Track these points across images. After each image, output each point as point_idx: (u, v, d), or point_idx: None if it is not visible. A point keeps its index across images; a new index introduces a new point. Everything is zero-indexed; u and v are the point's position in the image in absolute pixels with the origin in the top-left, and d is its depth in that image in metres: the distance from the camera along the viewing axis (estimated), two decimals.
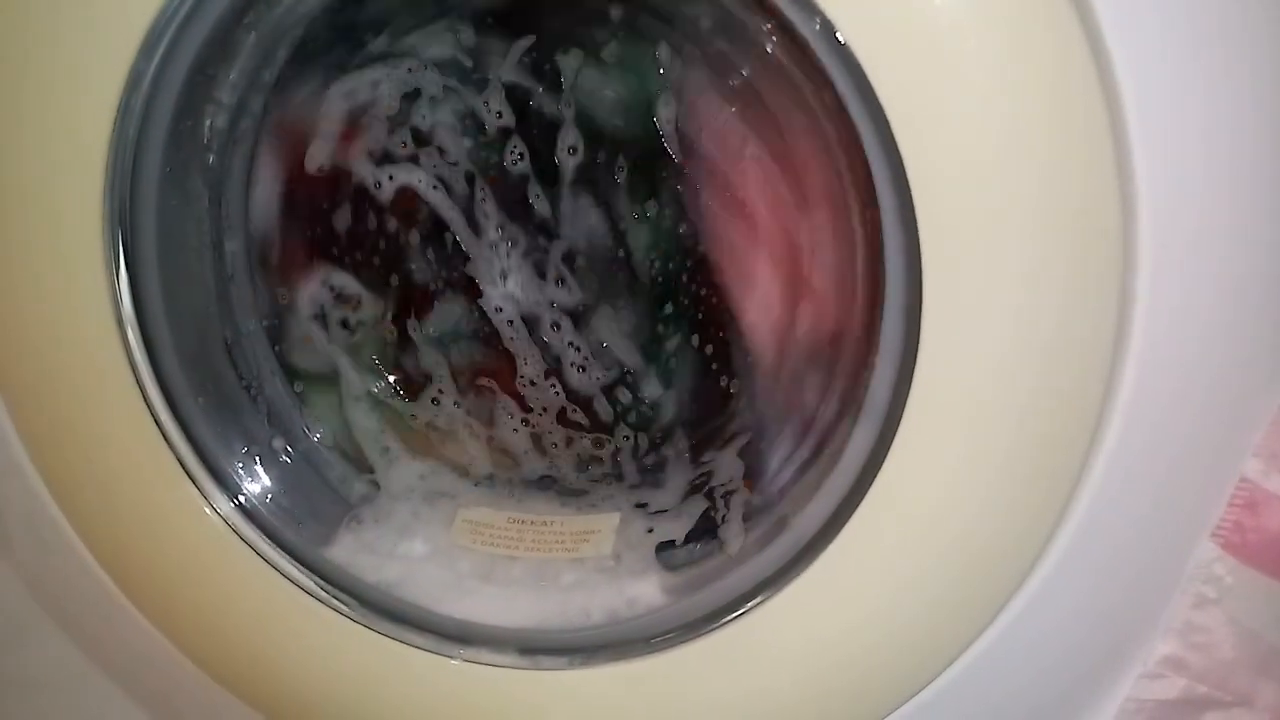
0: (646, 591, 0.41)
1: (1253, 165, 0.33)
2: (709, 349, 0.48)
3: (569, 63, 0.46)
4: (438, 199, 0.49)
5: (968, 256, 0.32)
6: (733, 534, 0.41)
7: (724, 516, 0.42)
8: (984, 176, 0.31)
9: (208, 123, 0.43)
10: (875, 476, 0.34)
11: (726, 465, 0.46)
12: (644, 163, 0.46)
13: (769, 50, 0.39)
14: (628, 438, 0.50)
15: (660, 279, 0.49)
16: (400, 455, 0.49)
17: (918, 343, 0.33)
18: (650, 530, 0.44)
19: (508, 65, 0.47)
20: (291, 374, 0.49)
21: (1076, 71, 0.30)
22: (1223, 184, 0.33)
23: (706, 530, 0.43)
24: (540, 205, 0.48)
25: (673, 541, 0.43)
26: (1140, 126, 0.31)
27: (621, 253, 0.49)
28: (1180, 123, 0.32)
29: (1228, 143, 0.33)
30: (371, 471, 0.49)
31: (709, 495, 0.45)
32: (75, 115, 0.38)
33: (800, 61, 0.37)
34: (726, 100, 0.44)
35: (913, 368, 0.33)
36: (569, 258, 0.49)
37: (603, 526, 0.46)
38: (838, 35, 0.31)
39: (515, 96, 0.47)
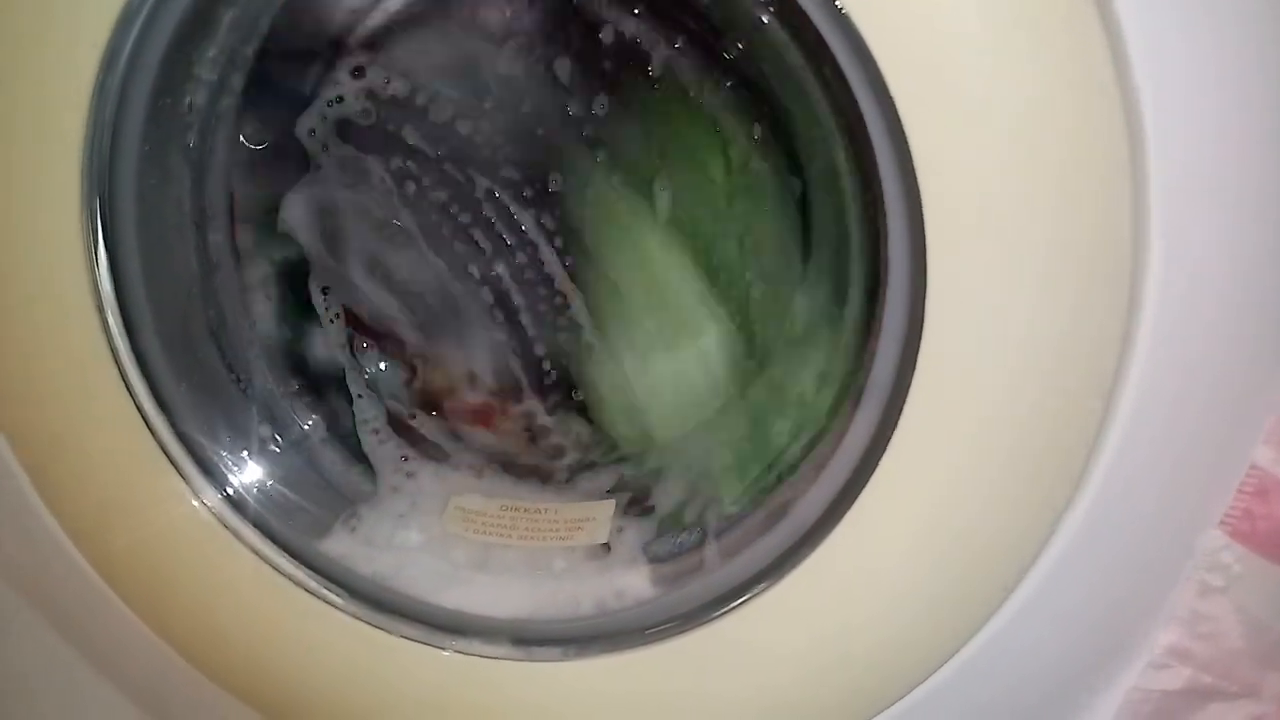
0: (635, 583, 0.40)
1: (1266, 157, 0.32)
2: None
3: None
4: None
5: (974, 236, 0.31)
6: (708, 548, 0.40)
7: (699, 530, 0.42)
8: (991, 154, 0.30)
9: (188, 100, 0.42)
10: (878, 463, 0.33)
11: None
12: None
13: (765, 20, 0.38)
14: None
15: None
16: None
17: (921, 324, 0.32)
18: (620, 529, 0.44)
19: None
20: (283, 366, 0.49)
21: (1091, 53, 0.29)
22: (1236, 171, 0.32)
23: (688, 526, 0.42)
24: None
25: (662, 533, 0.43)
26: (1153, 113, 0.30)
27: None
28: (1194, 111, 0.31)
29: (1241, 133, 0.31)
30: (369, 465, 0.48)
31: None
32: (51, 92, 0.37)
33: (799, 32, 0.36)
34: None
35: (916, 350, 0.32)
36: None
37: (598, 514, 0.45)
38: (837, 3, 0.30)
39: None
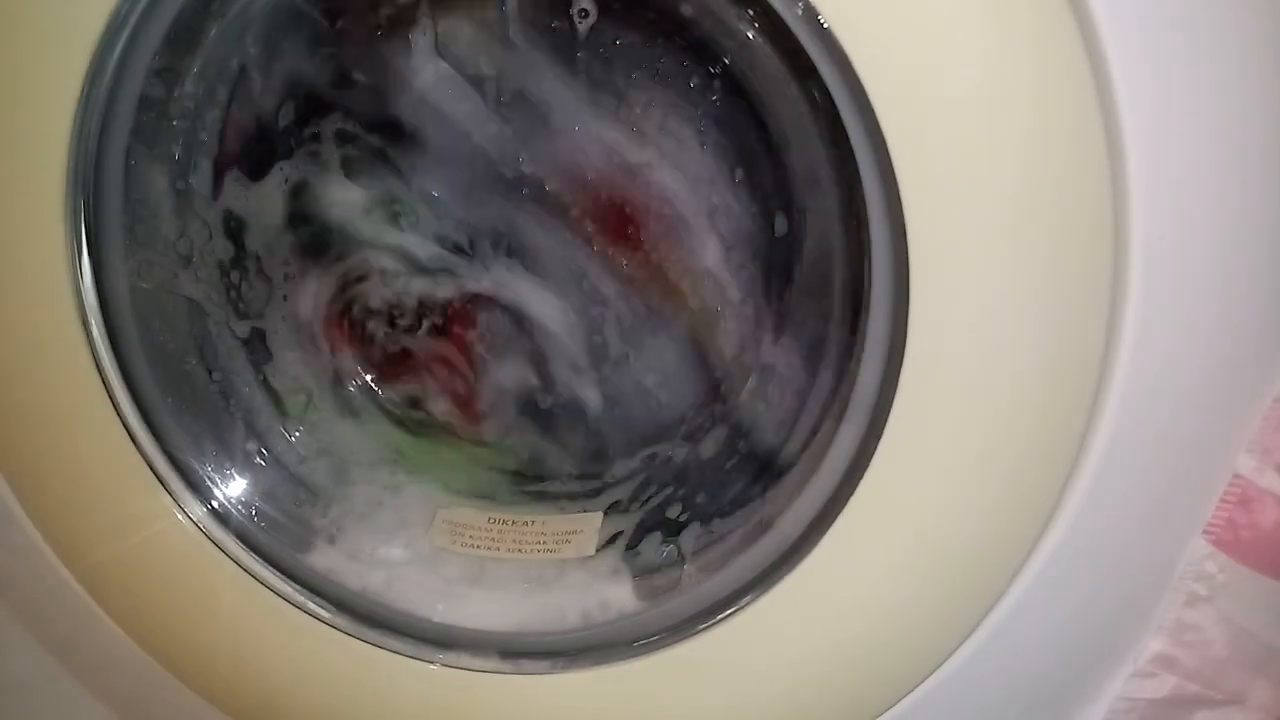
0: (619, 595, 0.40)
1: (1246, 162, 0.32)
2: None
3: None
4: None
5: (956, 250, 0.31)
6: (686, 567, 0.40)
7: (675, 550, 0.42)
8: (973, 168, 0.30)
9: (173, 113, 0.42)
10: (862, 477, 0.33)
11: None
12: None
13: (750, 36, 0.38)
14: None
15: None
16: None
17: (904, 339, 0.32)
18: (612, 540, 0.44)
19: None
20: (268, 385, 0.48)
21: (1069, 61, 0.29)
22: (1216, 180, 0.32)
23: (670, 539, 0.42)
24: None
25: (636, 549, 0.43)
26: (1133, 118, 0.30)
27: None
28: (1175, 115, 0.31)
29: (1221, 139, 0.32)
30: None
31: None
32: (36, 105, 0.37)
33: (783, 48, 0.36)
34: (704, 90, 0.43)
35: (899, 365, 0.32)
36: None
37: (585, 527, 0.45)
38: (820, 19, 0.30)
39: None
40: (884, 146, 0.30)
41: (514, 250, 0.48)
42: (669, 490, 0.46)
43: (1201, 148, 0.31)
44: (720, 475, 0.46)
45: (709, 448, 0.47)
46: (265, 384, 0.48)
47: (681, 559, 0.41)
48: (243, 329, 0.48)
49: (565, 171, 0.46)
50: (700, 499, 0.45)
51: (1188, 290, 0.32)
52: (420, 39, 0.45)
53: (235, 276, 0.47)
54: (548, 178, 0.46)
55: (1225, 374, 0.35)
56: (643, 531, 0.44)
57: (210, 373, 0.46)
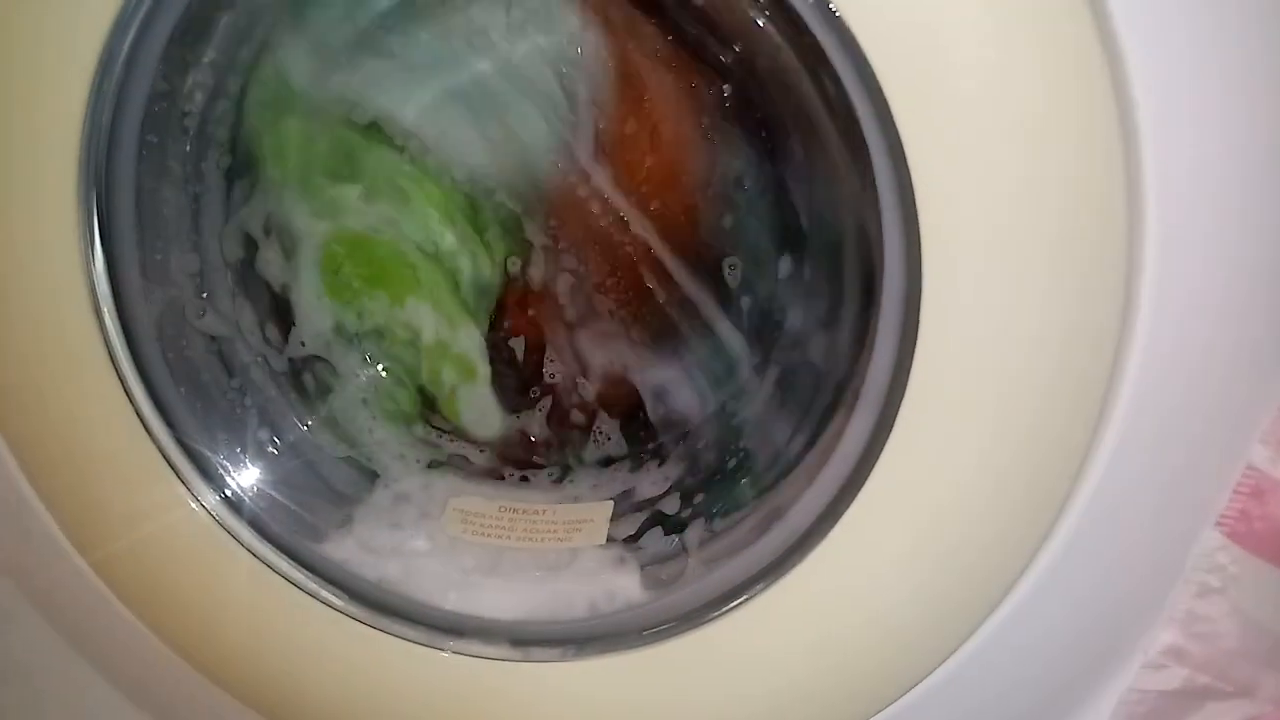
0: (626, 585, 0.40)
1: (1262, 149, 0.32)
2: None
3: None
4: None
5: (968, 237, 0.31)
6: (690, 558, 0.40)
7: (678, 543, 0.42)
8: (985, 156, 0.30)
9: (184, 104, 0.42)
10: (873, 467, 0.33)
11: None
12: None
13: (760, 24, 0.38)
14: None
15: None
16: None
17: (917, 326, 0.32)
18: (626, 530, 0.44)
19: None
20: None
21: (1084, 51, 0.29)
22: (1231, 169, 0.32)
23: (675, 530, 0.42)
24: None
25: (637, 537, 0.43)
26: (1147, 102, 0.30)
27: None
28: (1190, 100, 0.31)
29: (1237, 124, 0.31)
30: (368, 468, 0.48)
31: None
32: (48, 96, 0.37)
33: (793, 35, 0.36)
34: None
35: (912, 352, 0.32)
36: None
37: (596, 515, 0.45)
38: (830, 6, 0.30)
39: None
40: (895, 133, 0.30)
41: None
42: (672, 486, 0.47)
43: (1216, 133, 0.31)
44: (725, 472, 0.46)
45: (714, 443, 0.47)
46: (280, 376, 0.48)
47: (685, 552, 0.41)
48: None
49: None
50: (701, 498, 0.45)
51: (1201, 279, 0.32)
52: None
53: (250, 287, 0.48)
54: None
55: (1239, 364, 0.34)
56: (646, 526, 0.44)
57: (223, 362, 0.46)
